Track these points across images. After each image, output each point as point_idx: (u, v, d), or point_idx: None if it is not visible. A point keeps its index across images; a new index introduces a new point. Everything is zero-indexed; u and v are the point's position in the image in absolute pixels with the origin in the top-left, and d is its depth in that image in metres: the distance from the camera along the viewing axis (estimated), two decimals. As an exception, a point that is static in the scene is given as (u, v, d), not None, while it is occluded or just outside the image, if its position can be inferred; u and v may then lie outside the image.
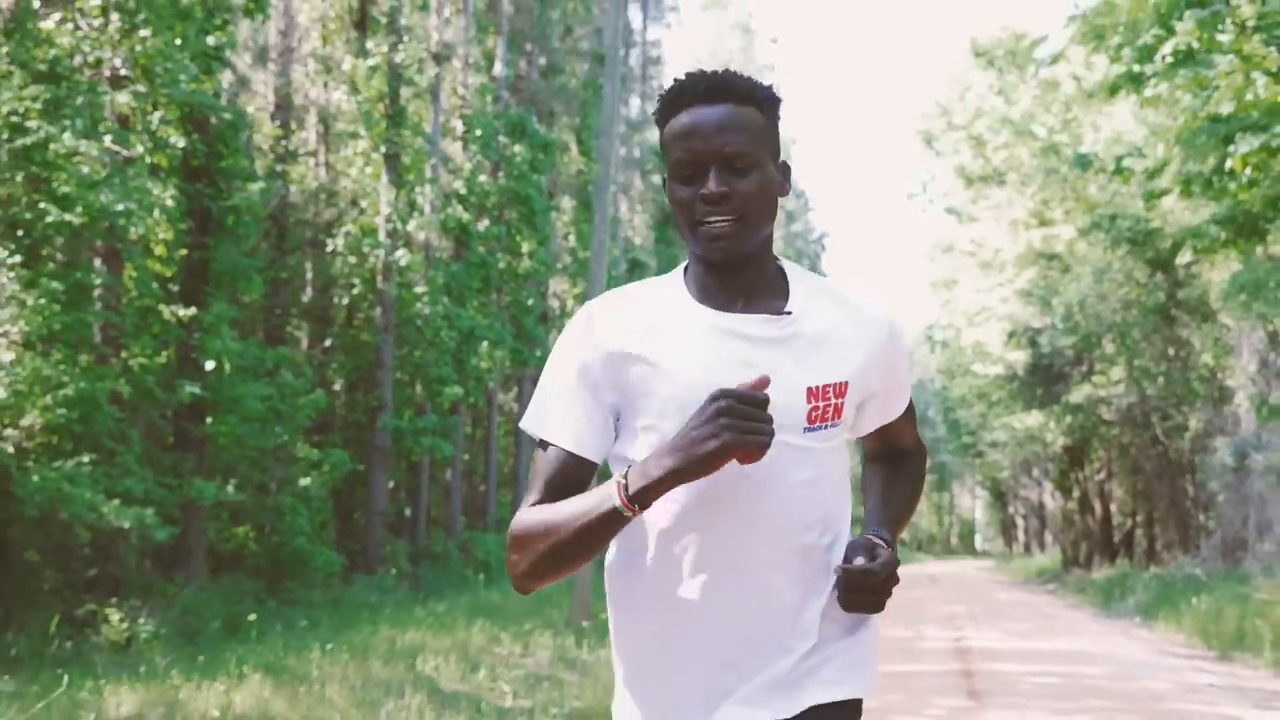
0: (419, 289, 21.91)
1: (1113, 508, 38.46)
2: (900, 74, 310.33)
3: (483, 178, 24.36)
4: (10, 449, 10.83)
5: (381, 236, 21.05)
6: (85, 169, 11.03)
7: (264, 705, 8.18)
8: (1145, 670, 13.58)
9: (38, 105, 10.87)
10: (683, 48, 65.00)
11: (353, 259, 21.11)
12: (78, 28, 12.37)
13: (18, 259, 10.83)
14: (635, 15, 38.27)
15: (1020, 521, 66.75)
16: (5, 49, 10.94)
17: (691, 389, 2.22)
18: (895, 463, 2.68)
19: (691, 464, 2.10)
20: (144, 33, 12.08)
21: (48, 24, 12.14)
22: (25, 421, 10.94)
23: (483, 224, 24.55)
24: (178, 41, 13.14)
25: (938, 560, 74.11)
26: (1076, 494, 39.85)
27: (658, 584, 2.32)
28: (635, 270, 34.06)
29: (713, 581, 2.28)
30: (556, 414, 2.32)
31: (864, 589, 2.28)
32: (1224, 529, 27.66)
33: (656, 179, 37.08)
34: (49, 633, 11.09)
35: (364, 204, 21.73)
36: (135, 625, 11.88)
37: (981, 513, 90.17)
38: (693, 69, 2.37)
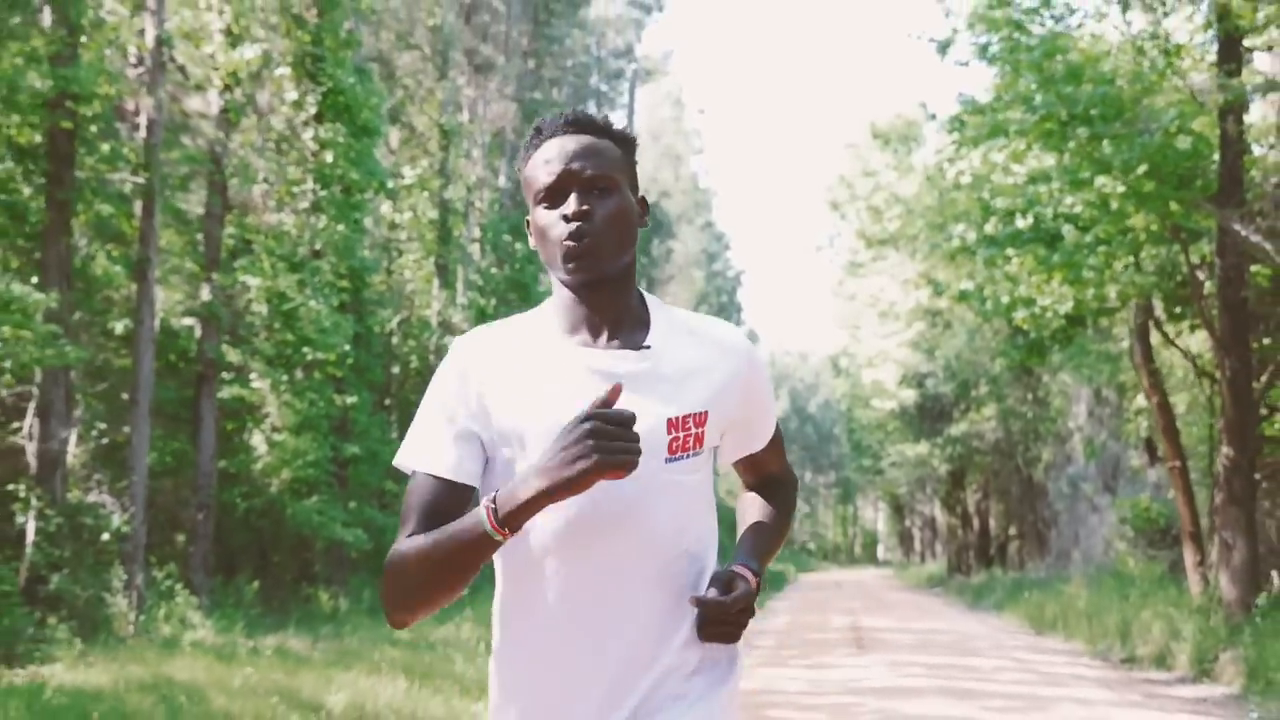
0: (455, 363, 26.82)
1: (991, 523, 41.28)
2: (813, 134, 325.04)
3: (494, 270, 29.67)
4: (275, 492, 17.43)
5: (433, 324, 26.56)
6: (325, 322, 17.49)
7: (483, 633, 14.48)
8: (977, 638, 18.62)
9: (291, 284, 17.40)
10: (620, 118, 69.26)
11: (411, 342, 26.70)
12: (285, 219, 18.80)
13: (285, 378, 17.42)
14: (592, 108, 43.68)
15: (916, 533, 67.56)
16: (278, 251, 17.48)
17: (557, 426, 2.17)
18: (766, 492, 2.64)
19: (560, 484, 2.05)
20: (340, 226, 18.52)
21: (270, 218, 18.62)
22: (284, 476, 17.51)
23: (491, 305, 29.31)
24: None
25: (842, 568, 75.51)
26: (959, 511, 43.38)
27: (528, 616, 2.29)
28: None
29: (580, 612, 2.24)
30: (426, 446, 2.29)
31: (717, 621, 2.26)
32: (1060, 542, 32.47)
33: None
34: (299, 604, 17.71)
35: (416, 300, 27.18)
36: (337, 600, 18.38)
37: (883, 524, 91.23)
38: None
